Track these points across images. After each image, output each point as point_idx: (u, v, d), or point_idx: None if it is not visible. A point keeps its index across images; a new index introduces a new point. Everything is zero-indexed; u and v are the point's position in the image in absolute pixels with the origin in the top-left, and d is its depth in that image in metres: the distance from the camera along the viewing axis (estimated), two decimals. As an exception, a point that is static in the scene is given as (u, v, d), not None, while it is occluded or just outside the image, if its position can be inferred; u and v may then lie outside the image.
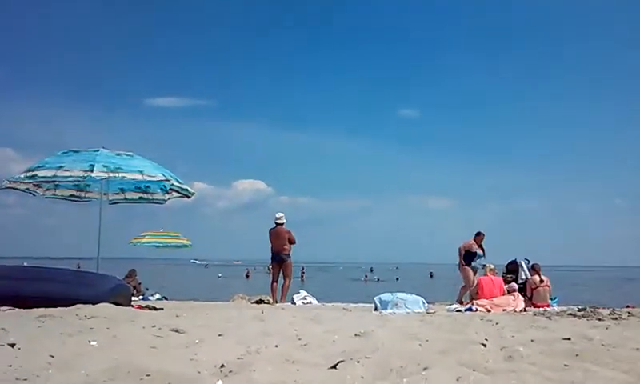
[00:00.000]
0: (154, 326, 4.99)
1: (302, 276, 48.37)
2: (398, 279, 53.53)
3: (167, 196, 9.89)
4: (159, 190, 9.80)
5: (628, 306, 10.27)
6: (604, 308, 9.19)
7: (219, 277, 54.05)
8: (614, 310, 8.84)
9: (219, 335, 4.73)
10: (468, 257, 12.12)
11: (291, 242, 11.97)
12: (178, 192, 9.56)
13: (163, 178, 8.53)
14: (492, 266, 11.53)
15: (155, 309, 7.89)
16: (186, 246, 20.58)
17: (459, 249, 12.23)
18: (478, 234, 12.43)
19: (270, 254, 12.00)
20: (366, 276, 56.60)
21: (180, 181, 9.07)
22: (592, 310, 8.59)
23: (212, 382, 2.59)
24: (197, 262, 67.42)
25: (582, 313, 8.25)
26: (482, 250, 12.29)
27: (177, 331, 4.87)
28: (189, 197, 9.80)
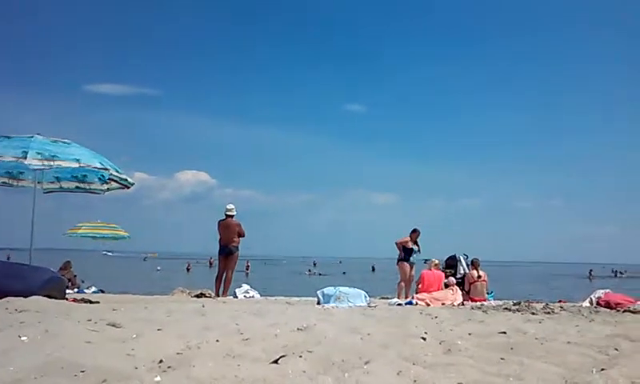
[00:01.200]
0: (90, 320, 4.82)
1: (247, 270, 47.93)
2: (345, 273, 53.89)
3: (106, 186, 9.54)
4: (97, 180, 9.43)
5: (560, 301, 10.70)
6: (538, 302, 9.56)
7: (158, 270, 52.75)
8: (547, 304, 9.20)
9: (158, 330, 4.61)
10: (405, 253, 12.32)
11: (241, 234, 11.79)
12: (117, 182, 9.24)
13: (101, 167, 8.21)
14: (436, 261, 11.78)
15: (91, 302, 7.62)
16: (124, 237, 20.02)
17: (396, 244, 12.41)
18: (414, 230, 12.62)
19: (218, 247, 11.77)
20: (309, 270, 56.74)
21: (119, 170, 8.78)
22: (526, 304, 8.91)
23: (149, 378, 2.51)
24: (109, 253, 64.90)
25: (517, 307, 8.55)
26: (418, 246, 12.52)
27: (113, 325, 4.71)
28: (128, 187, 9.49)
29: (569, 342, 4.58)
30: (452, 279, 11.53)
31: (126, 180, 9.13)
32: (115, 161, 8.81)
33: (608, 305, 9.13)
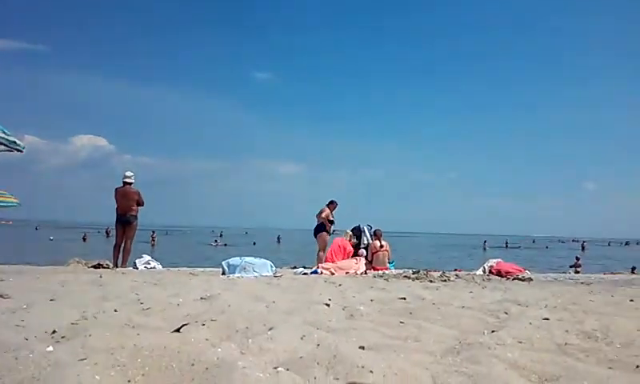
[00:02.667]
0: (-26, 291, 4.48)
1: (153, 240, 46.42)
2: (255, 244, 53.67)
3: (-9, 149, 8.86)
4: (-19, 142, 8.73)
5: (456, 270, 11.28)
6: (435, 271, 10.01)
7: (51, 239, 49.90)
8: (443, 272, 9.67)
9: (51, 300, 4.37)
10: (330, 224, 12.51)
11: (140, 203, 11.33)
12: (4, 145, 8.58)
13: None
14: (350, 232, 12.06)
15: (-24, 273, 7.09)
16: (13, 204, 18.71)
17: (322, 217, 12.53)
18: (332, 202, 12.82)
19: (116, 215, 11.26)
20: (215, 241, 55.90)
21: (7, 132, 8.15)
22: (425, 273, 9.31)
23: (41, 348, 2.36)
24: (3, 222, 60.08)
25: (416, 275, 8.91)
26: (333, 218, 12.76)
27: (1, 296, 4.42)
28: (20, 151, 8.85)
29: (463, 307, 4.82)
30: (363, 251, 11.86)
31: (15, 142, 8.50)
32: (2, 121, 8.17)
33: (499, 273, 9.76)
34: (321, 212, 12.60)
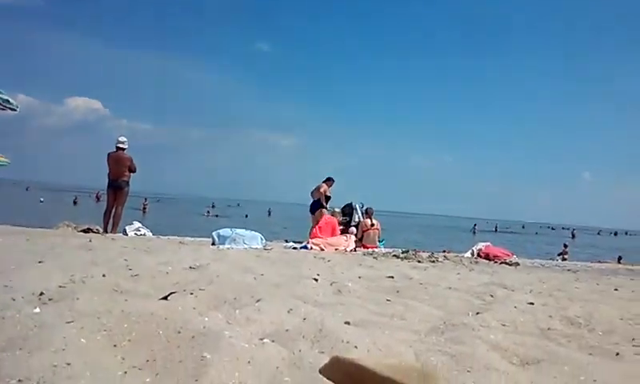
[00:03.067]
0: (-38, 250, 4.47)
1: (145, 208, 46.27)
2: (247, 216, 53.57)
3: (-15, 106, 8.75)
4: (-25, 99, 8.62)
5: (444, 251, 11.33)
6: (424, 252, 10.06)
7: (41, 201, 49.48)
8: (432, 253, 9.73)
9: (39, 262, 4.36)
10: (326, 200, 12.53)
11: (132, 169, 11.26)
12: (-2, 104, 8.49)
13: (-20, 86, 7.50)
14: (338, 211, 12.09)
15: (-36, 232, 7.06)
16: (3, 164, 18.51)
17: (320, 192, 12.52)
18: (329, 179, 12.82)
19: (107, 180, 11.20)
20: (207, 212, 55.74)
21: (1, 91, 8.06)
22: (413, 253, 9.37)
23: (28, 309, 2.36)
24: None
25: (405, 255, 8.97)
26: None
27: (-11, 256, 4.42)
28: (14, 110, 8.75)
29: (450, 288, 4.87)
30: (353, 229, 11.91)
31: (9, 101, 8.41)
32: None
33: (487, 256, 9.83)
34: (317, 188, 12.62)
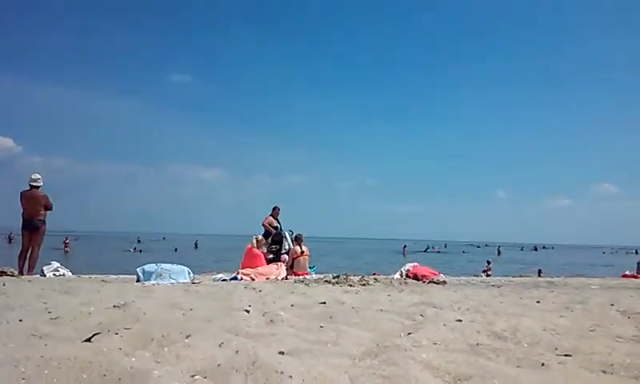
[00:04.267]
0: None
1: (66, 247, 44.06)
2: (176, 250, 52.22)
3: None
4: None
5: (374, 274, 11.49)
6: (355, 275, 10.14)
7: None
8: (363, 277, 9.82)
9: (-53, 311, 4.06)
10: (275, 230, 12.50)
11: (47, 207, 10.76)
12: None
13: None
14: (260, 237, 11.96)
15: None
16: None
17: (265, 225, 12.54)
18: (275, 208, 12.90)
19: (21, 220, 10.65)
20: (134, 248, 53.89)
21: None
22: (345, 277, 9.42)
23: None
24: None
25: (337, 280, 9.01)
26: (279, 222, 12.78)
27: None
28: None
29: (381, 310, 4.92)
30: (285, 256, 11.87)
31: None
32: None
33: (416, 277, 10.04)
34: (264, 219, 12.64)
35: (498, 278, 12.91)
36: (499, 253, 63.43)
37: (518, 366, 2.71)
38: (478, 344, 3.30)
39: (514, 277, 14.00)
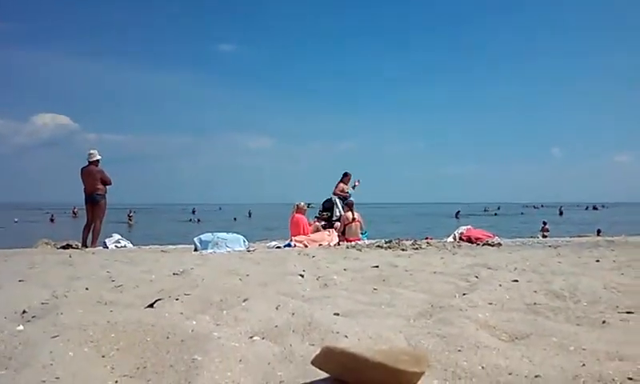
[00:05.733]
0: (-61, 276, 4.38)
1: (130, 219, 45.25)
2: (235, 219, 52.91)
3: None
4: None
5: (427, 238, 11.40)
6: (407, 240, 10.10)
7: (16, 221, 48.50)
8: (415, 241, 9.77)
9: (20, 281, 4.29)
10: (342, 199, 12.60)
11: (105, 181, 11.10)
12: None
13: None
14: (301, 203, 11.99)
15: (-60, 258, 6.92)
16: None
17: (337, 192, 12.66)
18: (346, 174, 12.95)
19: (84, 195, 11.07)
20: (191, 219, 54.84)
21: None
22: (397, 242, 9.41)
23: (12, 327, 2.32)
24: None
25: (389, 245, 9.01)
26: (352, 188, 12.89)
27: (-33, 279, 4.33)
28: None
29: (435, 272, 4.90)
30: (337, 224, 11.93)
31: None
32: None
33: (469, 239, 9.92)
34: (336, 187, 12.72)
35: (555, 238, 12.59)
36: (561, 213, 61.34)
37: (577, 324, 2.66)
38: (535, 303, 3.25)
39: (571, 237, 13.63)
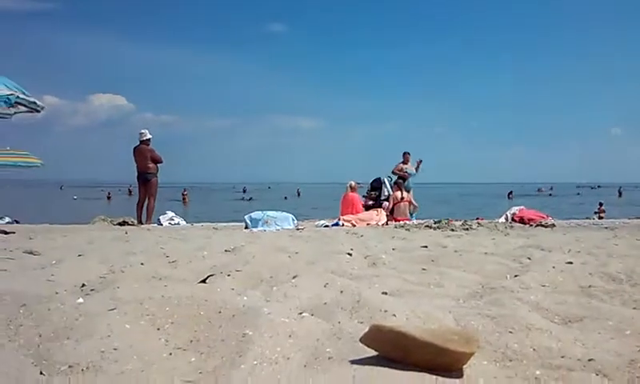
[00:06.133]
0: (5, 250, 4.61)
1: (185, 198, 45.88)
2: (286, 198, 53.35)
3: (13, 110, 8.86)
4: (2, 103, 8.72)
5: (478, 218, 11.21)
6: (457, 220, 9.97)
7: (75, 198, 50.39)
8: (465, 221, 9.63)
9: (79, 256, 4.47)
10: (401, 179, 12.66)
11: (155, 160, 11.39)
12: (25, 106, 8.60)
13: (7, 90, 7.63)
14: (353, 183, 11.98)
15: (6, 232, 7.27)
16: (37, 165, 18.88)
17: (394, 171, 12.72)
18: (405, 154, 12.99)
19: (136, 174, 11.43)
20: (243, 197, 55.55)
21: (27, 93, 8.18)
22: (446, 222, 9.29)
23: (72, 300, 2.42)
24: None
25: (438, 225, 8.91)
26: (414, 168, 12.92)
27: (31, 253, 4.54)
28: (38, 111, 8.89)
29: (486, 253, 4.83)
30: (385, 203, 11.90)
31: (35, 103, 8.53)
32: (20, 83, 8.18)
33: (522, 220, 9.70)
34: (395, 167, 12.78)
35: (612, 220, 12.16)
36: (620, 194, 58.76)
37: (634, 308, 2.57)
38: (590, 286, 3.16)
39: (629, 218, 13.14)
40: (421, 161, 13.19)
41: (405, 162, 12.88)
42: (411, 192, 12.49)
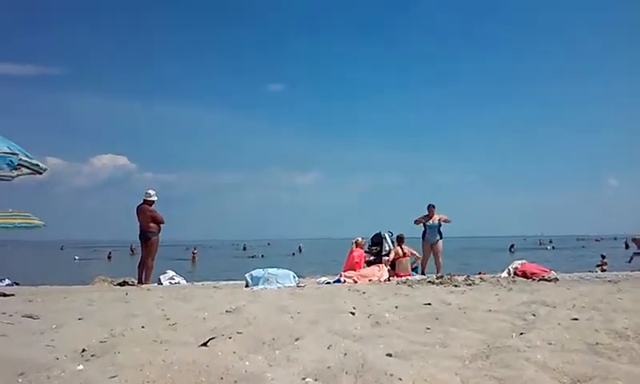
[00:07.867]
0: (4, 313, 4.56)
1: (194, 257, 44.40)
2: (294, 254, 52.80)
3: (15, 172, 8.93)
4: (5, 166, 8.79)
5: (480, 273, 11.13)
6: (459, 275, 9.90)
7: (76, 259, 50.24)
8: (468, 276, 9.55)
9: (79, 319, 4.42)
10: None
11: (156, 220, 11.40)
12: (27, 168, 8.66)
13: (9, 152, 7.69)
14: (359, 239, 11.95)
15: (5, 295, 7.21)
16: (39, 226, 18.89)
17: (416, 221, 12.73)
18: (430, 206, 12.97)
19: (138, 232, 11.42)
20: (253, 255, 54.75)
21: (29, 155, 8.25)
22: (449, 277, 9.22)
23: (72, 367, 2.39)
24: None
25: (440, 280, 8.83)
26: (437, 222, 12.88)
27: (30, 317, 4.48)
28: (40, 173, 8.95)
29: (490, 310, 4.77)
30: (385, 258, 11.83)
31: (38, 165, 8.59)
32: (23, 145, 8.26)
33: (524, 274, 9.62)
34: (423, 217, 12.82)
35: (615, 272, 12.07)
36: (627, 246, 58.25)
37: (644, 367, 2.53)
38: (597, 343, 3.12)
39: (632, 271, 13.05)
40: (448, 220, 13.14)
41: (430, 216, 12.83)
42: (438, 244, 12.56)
